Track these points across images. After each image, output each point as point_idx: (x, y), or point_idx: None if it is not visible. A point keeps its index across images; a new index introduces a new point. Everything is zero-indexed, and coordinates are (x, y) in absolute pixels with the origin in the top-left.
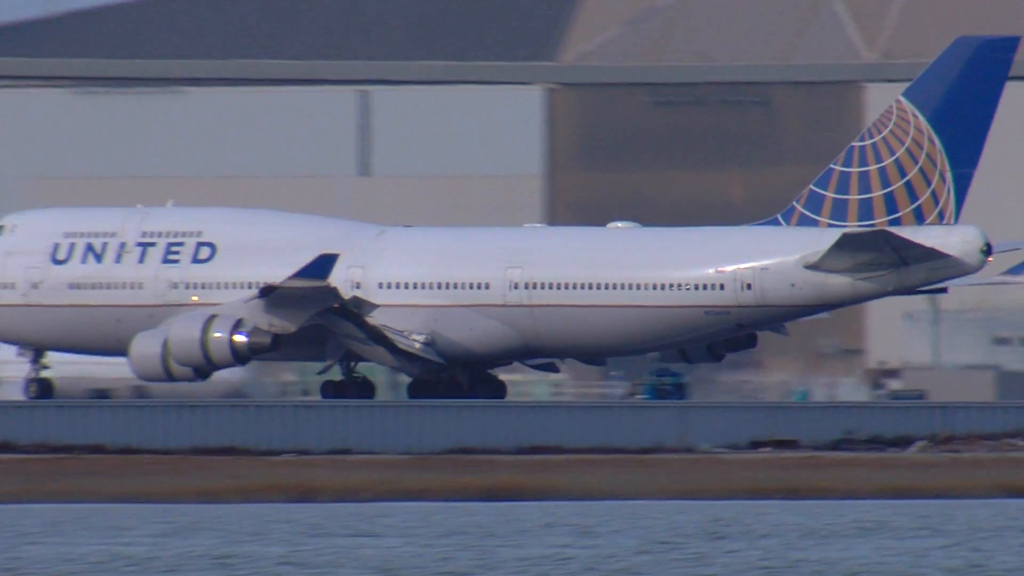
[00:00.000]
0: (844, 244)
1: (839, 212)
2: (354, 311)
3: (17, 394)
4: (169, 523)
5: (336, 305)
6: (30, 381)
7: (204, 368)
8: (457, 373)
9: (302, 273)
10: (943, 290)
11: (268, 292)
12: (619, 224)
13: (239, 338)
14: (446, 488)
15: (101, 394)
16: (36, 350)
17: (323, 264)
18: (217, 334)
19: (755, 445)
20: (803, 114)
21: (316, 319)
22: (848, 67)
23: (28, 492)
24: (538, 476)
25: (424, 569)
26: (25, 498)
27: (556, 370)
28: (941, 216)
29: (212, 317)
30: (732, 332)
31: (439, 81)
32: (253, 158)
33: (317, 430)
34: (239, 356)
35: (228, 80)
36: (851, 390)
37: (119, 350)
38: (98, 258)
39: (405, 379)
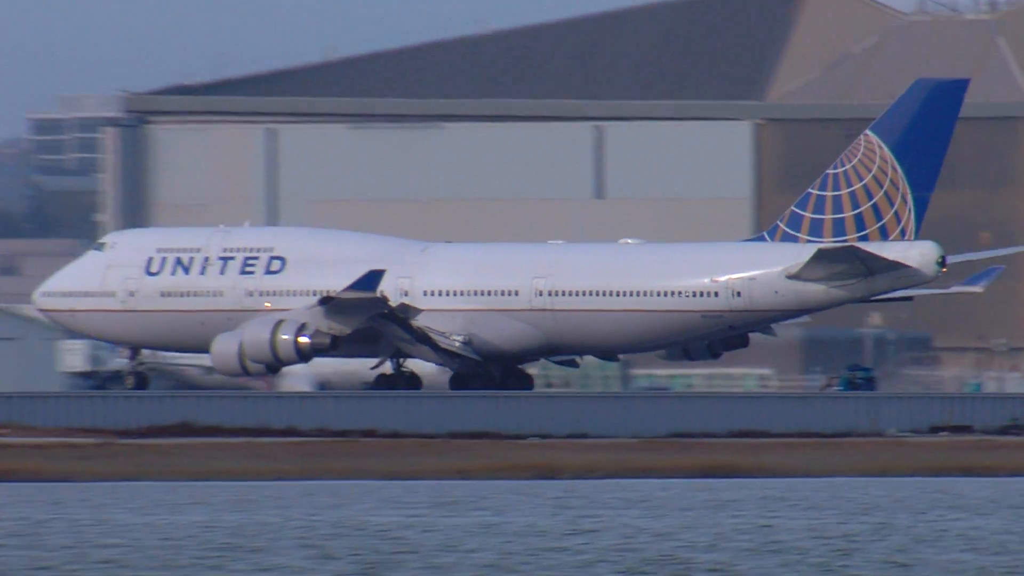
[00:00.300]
0: (819, 257)
1: (816, 230)
2: (401, 316)
3: (299, 385)
4: (435, 497)
5: (385, 311)
6: (127, 374)
7: (273, 365)
8: (491, 368)
9: (354, 285)
10: (909, 299)
11: (326, 301)
12: (628, 240)
13: (303, 339)
14: (670, 467)
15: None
16: (133, 348)
17: (372, 278)
18: (284, 336)
19: (935, 430)
20: (975, 146)
21: (368, 323)
22: (1014, 104)
23: (310, 471)
24: (748, 457)
25: (663, 536)
26: (308, 476)
27: (576, 365)
28: (903, 233)
29: (280, 321)
30: (725, 333)
31: (663, 117)
32: (502, 183)
33: (558, 417)
34: (302, 355)
35: (481, 117)
36: (1017, 382)
37: (202, 348)
38: (185, 270)
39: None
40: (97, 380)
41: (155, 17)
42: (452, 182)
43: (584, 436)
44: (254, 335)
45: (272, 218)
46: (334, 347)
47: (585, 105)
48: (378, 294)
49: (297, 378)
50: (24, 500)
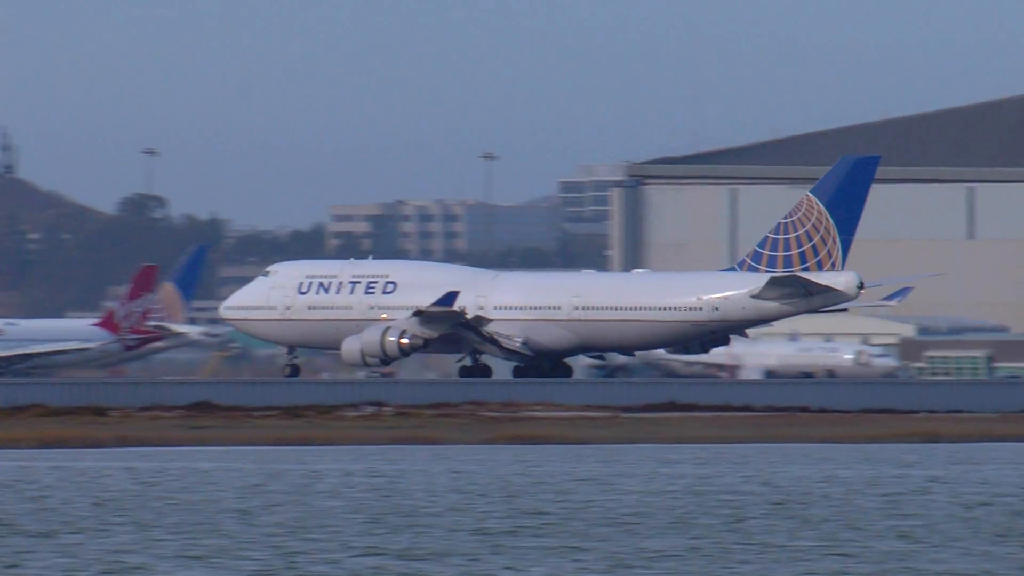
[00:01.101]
0: (772, 283)
1: (771, 263)
2: (475, 324)
3: (752, 374)
4: (862, 456)
5: (463, 320)
6: (285, 366)
7: (384, 360)
8: (542, 362)
9: (437, 302)
10: (844, 310)
11: (418, 313)
12: (639, 270)
13: (403, 341)
14: (1022, 434)
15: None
16: (290, 347)
17: (450, 297)
18: (390, 339)
19: None
20: None
21: (451, 329)
22: None
23: (757, 436)
24: None
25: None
26: (752, 440)
27: (603, 359)
28: (833, 265)
29: (387, 328)
30: (708, 336)
31: (1018, 180)
32: (897, 228)
33: (939, 398)
34: (403, 352)
35: (883, 180)
36: None
37: (335, 347)
38: (326, 291)
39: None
40: (607, 370)
41: (650, 107)
42: (866, 226)
43: (959, 411)
44: (369, 338)
45: (732, 254)
46: (426, 347)
47: (959, 171)
48: (456, 308)
49: (750, 369)
50: (559, 457)
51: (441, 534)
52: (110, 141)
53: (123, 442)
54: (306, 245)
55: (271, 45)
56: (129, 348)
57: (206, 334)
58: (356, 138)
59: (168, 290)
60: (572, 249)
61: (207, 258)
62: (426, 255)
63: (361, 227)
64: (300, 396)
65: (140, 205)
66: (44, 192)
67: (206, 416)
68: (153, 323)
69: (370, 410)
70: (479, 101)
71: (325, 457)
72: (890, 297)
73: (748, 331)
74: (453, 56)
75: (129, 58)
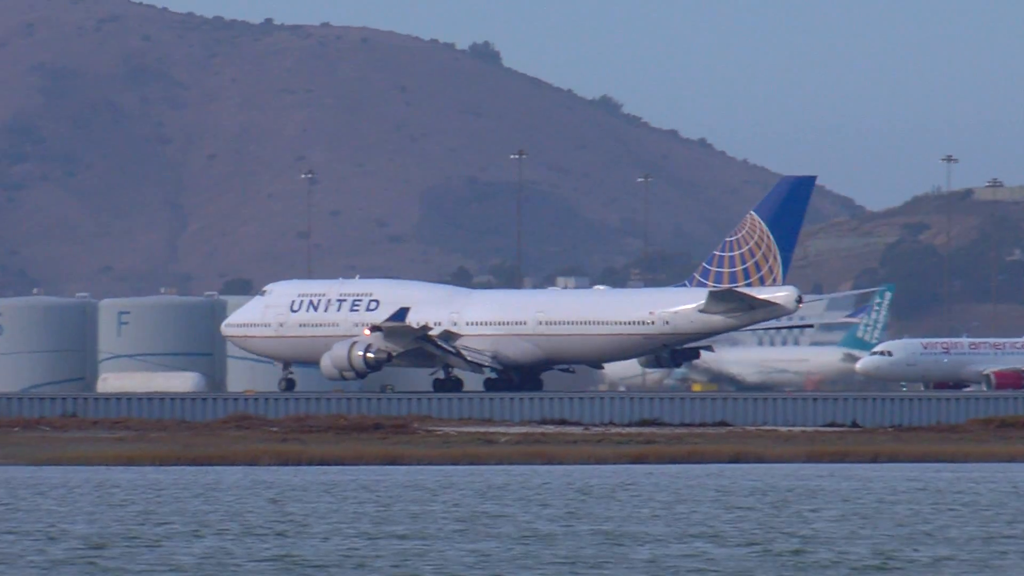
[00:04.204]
0: (712, 297)
1: (718, 279)
2: (438, 339)
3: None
4: None
5: (423, 335)
6: (281, 380)
7: (355, 373)
8: (512, 374)
9: (390, 318)
10: (810, 326)
11: (375, 329)
12: (600, 287)
13: (369, 355)
14: None
15: None
16: (284, 362)
17: (401, 313)
18: (357, 353)
19: None
20: None
21: (415, 343)
22: None
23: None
24: None
25: None
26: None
27: (572, 372)
28: (774, 280)
29: (353, 343)
30: (661, 349)
31: None
32: None
33: None
34: (370, 366)
35: None
36: None
37: None
38: (315, 309)
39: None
40: None
41: None
42: None
43: None
44: (338, 353)
45: None
46: (390, 360)
47: None
48: (413, 323)
49: None
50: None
51: None
52: None
53: None
54: None
55: None
56: None
57: None
58: None
59: None
60: None
61: None
62: None
63: None
64: None
65: None
66: None
67: None
68: None
69: None
70: None
71: None
72: (854, 313)
73: (712, 344)
74: None
75: None
